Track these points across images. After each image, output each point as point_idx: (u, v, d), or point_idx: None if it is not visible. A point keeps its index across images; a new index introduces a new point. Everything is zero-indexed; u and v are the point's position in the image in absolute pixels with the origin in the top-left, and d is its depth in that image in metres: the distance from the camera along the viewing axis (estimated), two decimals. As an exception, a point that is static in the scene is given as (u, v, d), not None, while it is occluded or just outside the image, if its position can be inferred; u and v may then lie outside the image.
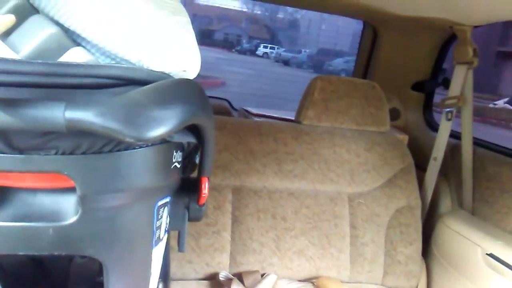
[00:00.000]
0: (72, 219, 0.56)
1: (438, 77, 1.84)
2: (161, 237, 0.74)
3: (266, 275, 1.34)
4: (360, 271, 1.43)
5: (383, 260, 1.45)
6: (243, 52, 23.95)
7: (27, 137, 0.51)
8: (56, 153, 0.52)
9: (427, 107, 1.91)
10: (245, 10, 28.35)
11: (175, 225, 0.81)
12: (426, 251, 1.54)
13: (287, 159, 1.42)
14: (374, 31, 1.92)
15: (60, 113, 0.46)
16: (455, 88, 1.52)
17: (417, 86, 1.87)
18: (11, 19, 0.48)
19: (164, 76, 0.59)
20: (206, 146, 0.71)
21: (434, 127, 1.82)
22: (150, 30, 0.59)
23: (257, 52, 24.08)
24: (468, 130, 1.52)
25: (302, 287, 1.35)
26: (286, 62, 22.40)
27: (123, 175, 0.57)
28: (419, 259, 1.49)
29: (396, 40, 1.85)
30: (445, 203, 1.60)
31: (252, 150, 1.40)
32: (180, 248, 0.85)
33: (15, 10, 0.60)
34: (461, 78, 1.50)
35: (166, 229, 0.78)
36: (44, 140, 0.51)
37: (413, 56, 1.84)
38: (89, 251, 0.59)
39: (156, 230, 0.70)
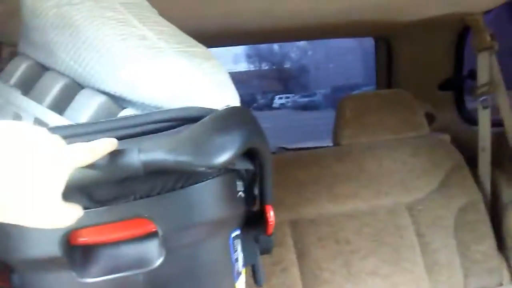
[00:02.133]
0: (158, 261, 0.57)
1: (462, 71, 1.84)
2: (240, 271, 0.75)
3: None
4: (439, 279, 1.37)
5: (459, 263, 1.39)
6: (259, 108, 24.33)
7: (106, 189, 0.54)
8: (134, 199, 0.55)
9: (460, 103, 1.89)
10: (252, 69, 29.10)
11: (248, 259, 0.82)
12: (502, 245, 1.47)
13: (335, 181, 1.42)
14: (387, 44, 1.94)
15: (135, 157, 0.50)
16: (482, 76, 1.52)
17: (444, 86, 1.87)
18: (113, 144, 0.50)
19: (213, 110, 0.63)
20: (264, 172, 0.73)
21: (473, 121, 1.79)
22: (190, 79, 0.63)
23: (273, 105, 24.40)
24: (508, 113, 1.50)
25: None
26: (304, 107, 22.54)
27: (198, 208, 0.59)
28: (496, 253, 1.42)
29: (412, 46, 1.86)
30: (507, 193, 1.55)
31: (300, 181, 1.41)
32: (258, 282, 0.84)
33: (65, 88, 0.66)
34: (486, 65, 1.50)
35: (243, 263, 0.78)
36: (121, 187, 0.54)
37: (431, 57, 1.84)
38: None
39: (235, 262, 0.70)
